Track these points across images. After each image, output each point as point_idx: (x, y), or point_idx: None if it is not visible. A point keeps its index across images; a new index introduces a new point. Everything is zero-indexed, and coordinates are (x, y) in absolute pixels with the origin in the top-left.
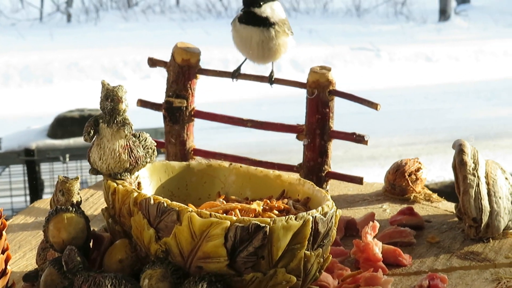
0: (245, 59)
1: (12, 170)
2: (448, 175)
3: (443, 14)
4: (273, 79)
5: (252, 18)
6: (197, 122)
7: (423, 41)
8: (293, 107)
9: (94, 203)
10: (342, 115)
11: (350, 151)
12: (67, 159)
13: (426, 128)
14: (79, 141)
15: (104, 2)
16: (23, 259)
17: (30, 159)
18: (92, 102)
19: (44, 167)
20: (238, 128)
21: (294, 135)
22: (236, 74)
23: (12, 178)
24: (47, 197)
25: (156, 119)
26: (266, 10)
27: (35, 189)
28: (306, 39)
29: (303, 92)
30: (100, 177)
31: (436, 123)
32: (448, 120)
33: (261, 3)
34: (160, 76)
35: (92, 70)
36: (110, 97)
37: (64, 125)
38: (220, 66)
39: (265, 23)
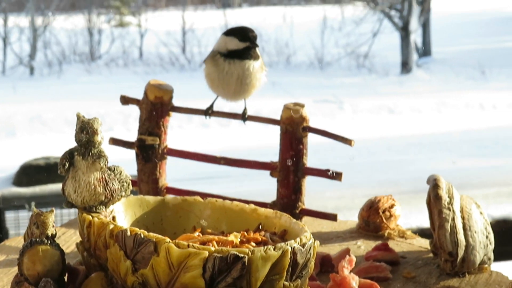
0: (217, 97)
1: None
2: (414, 223)
3: (405, 66)
4: (246, 116)
5: (247, 53)
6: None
7: (386, 94)
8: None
9: (66, 241)
10: None
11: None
12: (33, 207)
13: (389, 179)
14: (45, 189)
15: (67, 56)
16: None
17: None
18: (56, 153)
19: (9, 216)
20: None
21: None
22: (209, 112)
23: None
24: None
25: (127, 162)
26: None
27: None
28: (270, 92)
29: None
30: (72, 215)
31: (399, 175)
32: (411, 172)
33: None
34: (124, 129)
35: (55, 123)
36: (86, 129)
37: (29, 173)
38: (184, 118)
39: (255, 56)
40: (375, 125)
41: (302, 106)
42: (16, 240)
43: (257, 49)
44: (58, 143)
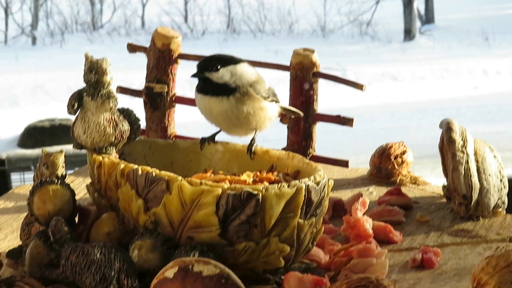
0: (219, 130)
1: None
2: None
3: (408, 34)
4: (253, 150)
5: (208, 86)
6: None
7: (389, 61)
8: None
9: (75, 188)
10: None
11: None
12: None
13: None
14: (50, 150)
15: (69, 25)
16: (5, 241)
17: (1, 169)
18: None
19: (15, 177)
20: None
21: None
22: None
23: None
24: None
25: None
26: (224, 75)
27: None
28: (272, 60)
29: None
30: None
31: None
32: (415, 138)
33: (218, 67)
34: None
35: (58, 92)
36: (94, 69)
37: (34, 135)
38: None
39: (223, 91)
40: (378, 92)
41: (312, 51)
42: (25, 188)
43: (240, 74)
44: (61, 112)
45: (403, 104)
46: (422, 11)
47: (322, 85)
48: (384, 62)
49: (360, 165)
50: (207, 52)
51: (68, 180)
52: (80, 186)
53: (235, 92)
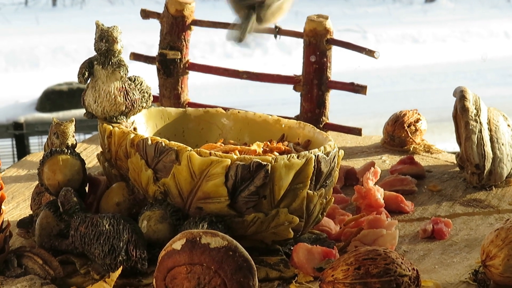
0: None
1: (1, 144)
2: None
3: None
4: (277, 31)
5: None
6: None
7: (410, 23)
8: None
9: (87, 156)
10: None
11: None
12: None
13: (413, 108)
14: (68, 114)
15: None
16: (17, 209)
17: (19, 133)
18: None
19: (33, 141)
20: (233, 85)
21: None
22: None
23: (1, 152)
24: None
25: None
26: None
27: None
28: (292, 22)
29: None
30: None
31: (423, 104)
32: (435, 101)
33: None
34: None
35: (78, 54)
36: (105, 37)
37: (52, 99)
38: (207, 48)
39: None
40: (399, 54)
41: (326, 18)
42: (38, 156)
43: None
44: None
45: (423, 67)
46: None
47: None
48: (405, 23)
49: (380, 127)
50: (228, 15)
51: (80, 147)
52: (92, 154)
53: None
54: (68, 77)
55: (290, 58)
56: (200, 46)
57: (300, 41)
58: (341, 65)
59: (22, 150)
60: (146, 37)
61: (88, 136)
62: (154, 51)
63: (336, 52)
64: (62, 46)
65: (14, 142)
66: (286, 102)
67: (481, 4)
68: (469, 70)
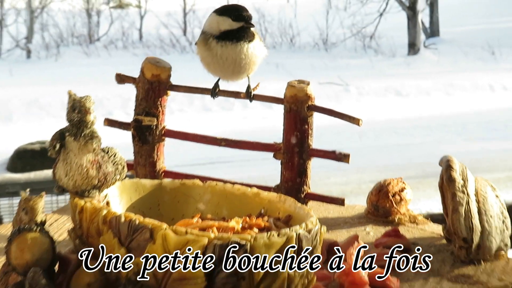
0: (219, 78)
1: None
2: (423, 209)
3: (412, 47)
4: (251, 93)
5: (241, 34)
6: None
7: (393, 75)
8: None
9: (59, 228)
10: None
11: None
12: (22, 192)
13: (396, 164)
14: (40, 174)
15: (65, 38)
16: None
17: None
18: None
19: (3, 203)
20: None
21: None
22: (216, 91)
23: None
24: None
25: (124, 146)
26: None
27: None
28: (273, 74)
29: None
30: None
31: (406, 159)
32: (419, 156)
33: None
34: (123, 113)
35: (53, 107)
36: (77, 108)
37: (24, 158)
38: (185, 101)
39: (251, 37)
40: (382, 107)
41: (307, 83)
42: (7, 227)
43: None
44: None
45: (406, 120)
46: (427, 24)
47: (323, 98)
48: (388, 76)
49: (363, 184)
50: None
51: (51, 218)
52: (63, 225)
53: (254, 39)
54: (41, 133)
55: (271, 112)
56: (178, 98)
57: (282, 92)
58: (324, 117)
59: None
60: (123, 90)
61: (60, 198)
62: (131, 105)
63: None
64: (36, 99)
65: None
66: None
67: (465, 56)
68: (453, 124)
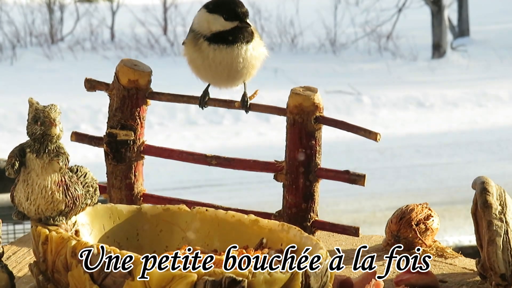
0: (209, 84)
1: None
2: (450, 242)
3: (438, 49)
4: (248, 103)
5: (236, 35)
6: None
7: (414, 83)
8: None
9: (17, 262)
10: None
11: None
12: None
13: (419, 188)
14: None
15: (22, 37)
16: None
17: None
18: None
19: None
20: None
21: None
22: (205, 100)
23: None
24: None
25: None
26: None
27: None
28: (271, 80)
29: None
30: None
31: (430, 183)
32: (446, 179)
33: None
34: (92, 127)
35: (8, 120)
36: (40, 119)
37: None
38: (166, 114)
39: (249, 37)
40: (401, 121)
41: (315, 91)
42: None
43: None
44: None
45: (431, 136)
46: (455, 22)
47: (331, 110)
48: (408, 84)
49: (378, 212)
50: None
51: (8, 251)
52: (23, 259)
53: (252, 39)
54: None
55: (268, 126)
56: (158, 110)
57: (281, 103)
58: (333, 132)
59: None
60: (92, 100)
61: (18, 228)
62: (101, 118)
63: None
64: None
65: None
66: (263, 180)
67: (500, 60)
68: (486, 141)
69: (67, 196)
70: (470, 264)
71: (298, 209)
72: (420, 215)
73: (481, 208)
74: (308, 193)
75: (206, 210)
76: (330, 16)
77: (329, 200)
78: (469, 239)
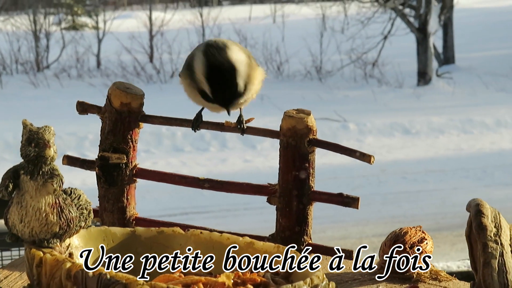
0: (203, 107)
1: None
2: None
3: (423, 76)
4: (244, 126)
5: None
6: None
7: (400, 110)
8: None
9: (9, 287)
10: None
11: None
12: None
13: (405, 215)
14: None
15: (7, 65)
16: None
17: None
18: None
19: None
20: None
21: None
22: (198, 123)
23: None
24: None
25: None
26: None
27: None
28: (257, 107)
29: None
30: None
31: (417, 209)
32: (431, 205)
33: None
34: (79, 154)
35: None
36: (34, 141)
37: None
38: (152, 141)
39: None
40: (387, 148)
41: (308, 113)
42: None
43: (243, 65)
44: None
45: (417, 163)
46: (440, 49)
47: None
48: (394, 111)
49: (364, 238)
50: (177, 99)
51: (0, 275)
52: (16, 283)
53: (247, 90)
54: None
55: (255, 153)
56: (144, 137)
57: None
58: (318, 159)
59: None
60: (78, 127)
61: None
62: (87, 145)
63: None
64: None
65: None
66: (252, 207)
67: (485, 87)
68: (472, 168)
69: (61, 218)
70: (464, 287)
71: (292, 232)
72: (414, 238)
73: (476, 230)
74: (302, 216)
75: (201, 232)
76: (316, 44)
77: (316, 227)
78: (458, 265)
